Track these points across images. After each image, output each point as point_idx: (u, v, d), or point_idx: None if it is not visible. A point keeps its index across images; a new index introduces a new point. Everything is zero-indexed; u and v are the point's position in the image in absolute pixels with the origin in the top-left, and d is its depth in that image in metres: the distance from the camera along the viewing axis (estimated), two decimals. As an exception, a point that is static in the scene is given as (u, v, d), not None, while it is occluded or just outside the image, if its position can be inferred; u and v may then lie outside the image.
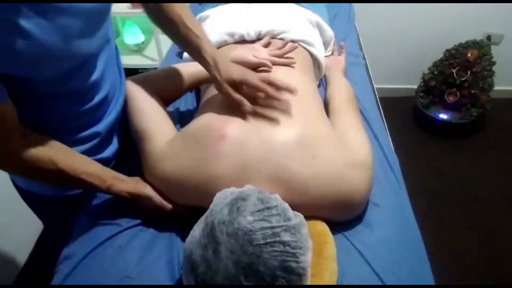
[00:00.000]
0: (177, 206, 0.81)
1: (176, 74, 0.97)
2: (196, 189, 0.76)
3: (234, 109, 0.80)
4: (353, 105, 0.99)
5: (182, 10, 0.82)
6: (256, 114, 0.80)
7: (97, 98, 0.82)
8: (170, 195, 0.81)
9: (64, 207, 0.92)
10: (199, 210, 0.69)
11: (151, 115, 0.88)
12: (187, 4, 0.84)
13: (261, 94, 0.81)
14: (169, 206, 0.80)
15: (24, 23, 0.57)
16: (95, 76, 0.79)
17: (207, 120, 0.81)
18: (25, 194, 0.94)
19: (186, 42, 0.84)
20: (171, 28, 0.84)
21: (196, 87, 1.08)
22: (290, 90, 0.80)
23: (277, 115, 0.80)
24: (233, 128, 0.77)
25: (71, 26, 0.64)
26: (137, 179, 0.83)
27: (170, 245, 0.78)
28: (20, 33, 0.57)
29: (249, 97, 0.81)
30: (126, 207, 0.86)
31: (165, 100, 0.94)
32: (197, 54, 0.83)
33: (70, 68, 0.71)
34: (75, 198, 0.90)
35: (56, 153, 0.72)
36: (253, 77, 0.80)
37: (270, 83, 0.80)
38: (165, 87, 0.95)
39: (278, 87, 0.80)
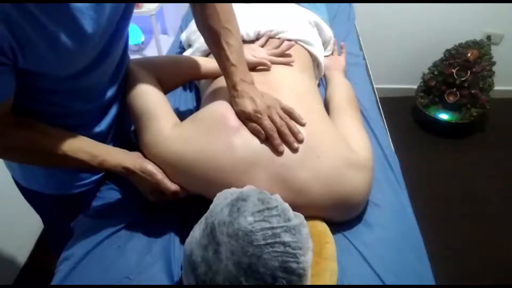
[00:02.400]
0: (179, 189, 0.77)
1: (180, 63, 0.96)
2: (201, 176, 0.74)
3: None
4: (354, 105, 0.99)
5: (228, 23, 0.80)
6: None
7: (103, 98, 0.82)
8: (172, 177, 0.77)
9: (65, 207, 0.92)
10: (197, 205, 0.69)
11: (158, 97, 0.86)
12: (235, 18, 0.83)
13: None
14: (172, 186, 0.76)
15: (47, 21, 0.58)
16: (105, 76, 0.79)
17: (222, 109, 0.80)
18: (26, 193, 0.94)
19: (220, 63, 0.83)
20: (208, 40, 0.84)
21: (196, 80, 1.08)
22: (301, 123, 0.78)
23: None
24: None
25: (89, 29, 0.64)
26: (137, 154, 0.80)
27: (169, 245, 0.78)
28: (43, 31, 0.58)
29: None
30: (126, 207, 0.86)
31: (164, 87, 0.93)
32: (224, 75, 0.83)
33: (83, 67, 0.71)
34: (76, 198, 0.90)
35: (42, 133, 0.71)
36: (265, 118, 0.76)
37: (278, 128, 0.75)
38: (167, 75, 0.94)
39: (287, 133, 0.76)
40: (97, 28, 0.65)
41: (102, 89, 0.82)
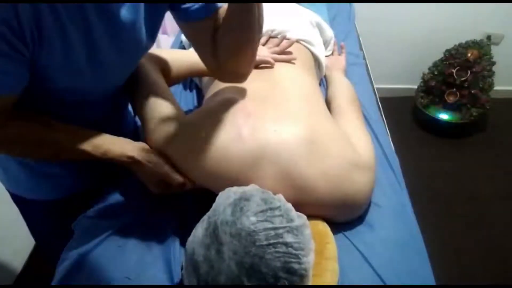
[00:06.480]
0: (186, 180, 0.76)
1: (184, 57, 0.96)
2: (210, 167, 0.73)
3: (250, 101, 0.81)
4: (356, 106, 0.99)
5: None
6: (267, 109, 0.79)
7: (104, 107, 0.82)
8: (180, 167, 0.76)
9: (49, 212, 0.91)
10: (198, 205, 0.69)
11: (163, 89, 0.85)
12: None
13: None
14: (179, 177, 0.74)
15: (73, 32, 0.58)
16: (111, 90, 0.79)
17: (231, 100, 0.79)
18: (12, 197, 0.93)
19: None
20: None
21: (200, 75, 1.09)
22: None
23: (286, 111, 0.79)
24: (255, 111, 0.77)
25: (104, 45, 0.64)
26: (143, 144, 0.78)
27: (169, 245, 0.78)
28: (65, 38, 0.58)
29: (258, 95, 0.82)
30: (126, 207, 0.86)
31: (167, 80, 0.92)
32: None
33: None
34: (59, 203, 0.89)
35: (43, 124, 0.69)
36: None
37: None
38: (170, 67, 0.93)
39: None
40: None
41: (104, 97, 0.81)
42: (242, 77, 0.83)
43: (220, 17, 0.73)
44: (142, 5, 0.67)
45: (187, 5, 0.71)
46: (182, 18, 0.73)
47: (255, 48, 0.78)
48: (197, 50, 0.80)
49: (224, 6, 0.73)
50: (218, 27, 0.73)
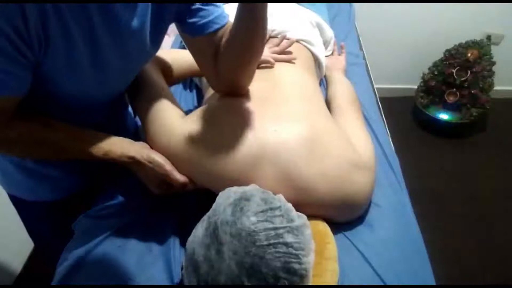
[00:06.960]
0: (187, 180, 0.75)
1: (183, 57, 0.97)
2: (211, 167, 0.73)
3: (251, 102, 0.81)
4: (356, 106, 0.99)
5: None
6: (267, 109, 0.79)
7: (104, 110, 0.82)
8: (180, 168, 0.75)
9: (49, 213, 0.91)
10: (198, 205, 0.69)
11: (163, 89, 0.85)
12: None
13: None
14: (181, 177, 0.74)
15: (78, 37, 0.58)
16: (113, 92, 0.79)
17: (231, 100, 0.80)
18: (11, 199, 0.93)
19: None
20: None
21: (199, 75, 1.09)
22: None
23: (286, 111, 0.79)
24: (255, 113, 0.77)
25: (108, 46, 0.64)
26: (143, 144, 0.77)
27: (169, 245, 0.78)
28: (70, 41, 0.58)
29: (258, 95, 0.82)
30: (126, 207, 0.86)
31: (167, 80, 0.93)
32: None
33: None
34: (59, 204, 0.89)
35: (44, 124, 0.69)
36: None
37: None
38: (170, 67, 0.94)
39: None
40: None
41: (106, 102, 0.81)
42: (241, 89, 0.83)
43: (226, 31, 0.74)
44: (149, 10, 0.67)
45: (194, 19, 0.72)
46: (188, 32, 0.74)
47: (257, 60, 0.78)
48: (199, 62, 0.82)
49: (229, 22, 0.74)
50: (222, 41, 0.74)
